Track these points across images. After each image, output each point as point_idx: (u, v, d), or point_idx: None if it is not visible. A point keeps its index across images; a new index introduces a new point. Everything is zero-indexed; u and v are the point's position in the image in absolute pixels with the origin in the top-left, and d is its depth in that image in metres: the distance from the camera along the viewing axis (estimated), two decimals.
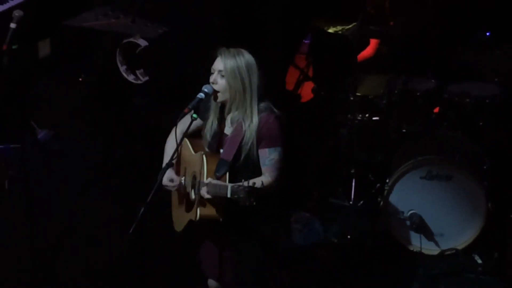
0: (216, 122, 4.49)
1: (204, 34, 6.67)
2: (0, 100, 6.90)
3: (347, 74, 6.57)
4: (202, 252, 4.66)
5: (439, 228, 5.90)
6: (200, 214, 4.37)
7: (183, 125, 4.54)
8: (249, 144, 4.35)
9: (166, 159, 4.48)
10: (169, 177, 4.50)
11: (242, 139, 4.35)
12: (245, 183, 4.06)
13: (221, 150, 4.45)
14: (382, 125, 6.35)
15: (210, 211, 4.36)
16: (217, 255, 4.56)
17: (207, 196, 4.27)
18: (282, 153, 4.36)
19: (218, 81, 4.36)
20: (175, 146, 4.42)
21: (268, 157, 4.35)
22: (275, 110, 4.41)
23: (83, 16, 6.96)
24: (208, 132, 4.50)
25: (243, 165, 4.37)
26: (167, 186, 4.53)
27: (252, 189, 4.04)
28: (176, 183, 4.53)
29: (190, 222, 4.48)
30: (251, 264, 4.52)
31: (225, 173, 4.32)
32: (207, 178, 4.31)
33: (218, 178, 4.30)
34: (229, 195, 4.10)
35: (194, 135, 4.61)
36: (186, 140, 4.61)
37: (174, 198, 4.75)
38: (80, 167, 6.99)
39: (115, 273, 5.63)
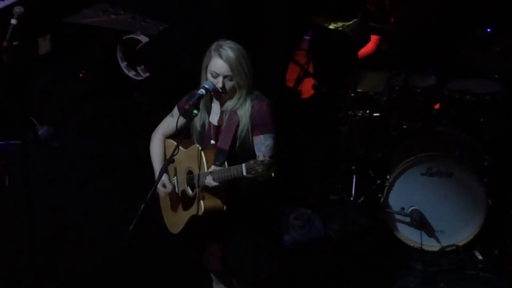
0: (205, 113, 4.48)
1: (205, 30, 6.66)
2: (0, 97, 6.91)
3: (348, 70, 6.57)
4: (203, 245, 4.63)
5: (439, 225, 5.90)
6: (204, 207, 4.36)
7: (163, 129, 4.60)
8: (244, 132, 4.36)
9: (157, 166, 4.52)
10: (162, 182, 4.46)
11: (237, 127, 4.36)
12: (259, 159, 4.06)
13: (212, 141, 4.45)
14: (382, 121, 6.35)
15: (214, 202, 4.35)
16: (218, 248, 4.56)
17: (214, 184, 4.24)
18: (275, 138, 4.39)
19: (227, 85, 4.33)
20: (161, 149, 4.56)
21: (263, 143, 4.36)
22: (264, 97, 4.41)
23: (84, 12, 6.94)
24: (198, 123, 4.49)
25: (239, 153, 4.37)
26: (159, 190, 4.49)
27: (268, 161, 4.03)
28: (168, 189, 4.49)
29: (192, 218, 4.47)
30: (249, 253, 4.53)
31: (224, 162, 4.31)
32: (207, 168, 4.31)
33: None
34: (244, 173, 4.07)
35: (174, 136, 4.57)
36: (171, 141, 4.57)
37: (165, 203, 4.70)
38: (80, 163, 6.99)
39: (115, 269, 5.64)
